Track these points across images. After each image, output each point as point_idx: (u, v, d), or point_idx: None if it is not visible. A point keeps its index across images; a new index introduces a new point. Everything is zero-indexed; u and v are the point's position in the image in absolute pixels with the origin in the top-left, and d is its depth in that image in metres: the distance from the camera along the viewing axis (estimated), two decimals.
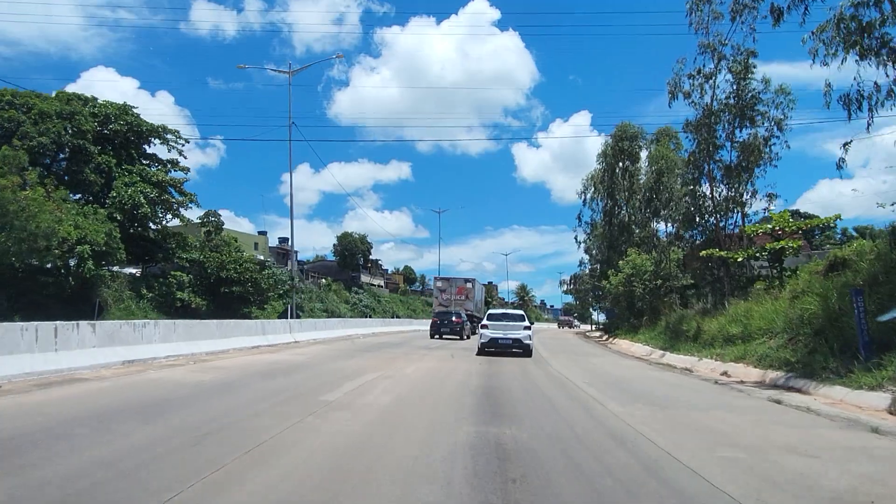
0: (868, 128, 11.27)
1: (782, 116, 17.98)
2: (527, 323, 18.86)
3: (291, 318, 32.01)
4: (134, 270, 36.24)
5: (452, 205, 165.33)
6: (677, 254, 28.92)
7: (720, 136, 19.77)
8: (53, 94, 31.43)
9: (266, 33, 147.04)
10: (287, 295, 51.39)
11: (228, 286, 36.16)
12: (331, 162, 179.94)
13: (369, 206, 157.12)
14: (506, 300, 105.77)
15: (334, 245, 67.31)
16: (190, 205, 35.61)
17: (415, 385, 10.49)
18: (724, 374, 12.80)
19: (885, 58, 10.39)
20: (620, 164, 36.07)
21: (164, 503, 3.78)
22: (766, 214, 18.97)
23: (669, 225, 27.86)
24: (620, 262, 31.08)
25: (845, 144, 11.68)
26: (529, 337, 18.28)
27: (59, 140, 28.42)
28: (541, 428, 6.65)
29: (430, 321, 33.61)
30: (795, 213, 40.22)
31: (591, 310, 64.75)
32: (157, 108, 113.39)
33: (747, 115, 19.10)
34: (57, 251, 23.23)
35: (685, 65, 19.48)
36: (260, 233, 57.92)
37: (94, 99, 33.26)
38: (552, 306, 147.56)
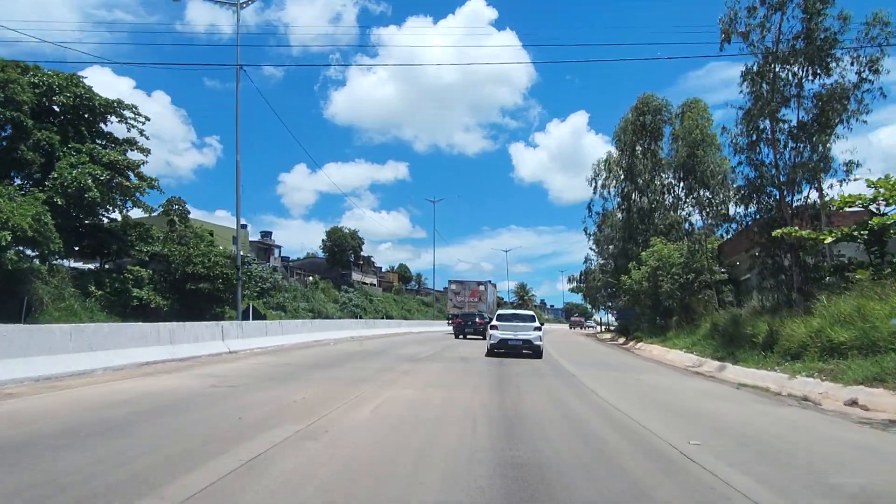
0: None
1: (879, 55, 13.74)
2: (537, 324, 18.20)
3: (242, 319, 27.55)
4: (92, 266, 31.99)
5: (450, 207, 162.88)
6: (712, 243, 24.71)
7: (786, 88, 15.58)
8: None
9: (263, 33, 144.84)
10: (267, 293, 47.07)
11: (195, 283, 31.85)
12: (327, 162, 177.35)
13: (366, 207, 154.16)
14: (504, 300, 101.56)
15: (323, 241, 63.07)
16: (149, 190, 31.11)
17: (358, 459, 5.18)
18: (853, 403, 8.57)
19: None
20: (641, 142, 31.77)
21: None
22: (848, 182, 14.69)
23: (704, 210, 23.57)
24: (643, 253, 26.88)
25: None
26: (540, 338, 17.64)
27: None
28: None
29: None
30: None
31: (599, 309, 60.64)
32: (152, 109, 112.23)
33: (822, 61, 14.90)
34: None
35: None
36: (240, 226, 53.41)
37: (38, 67, 28.91)
38: (552, 306, 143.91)
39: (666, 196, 29.96)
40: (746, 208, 17.00)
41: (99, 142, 30.48)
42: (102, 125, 31.12)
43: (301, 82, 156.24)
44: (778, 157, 15.87)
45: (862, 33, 14.02)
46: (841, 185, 15.15)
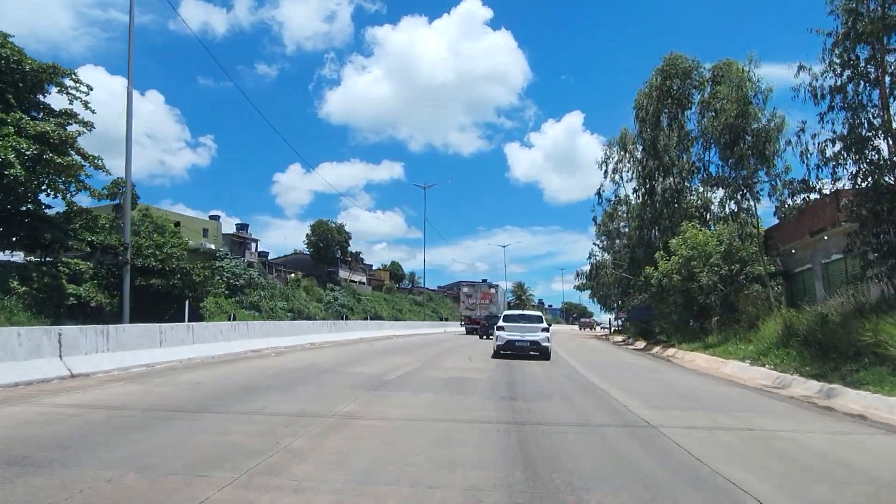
0: None
1: None
2: (545, 325, 17.88)
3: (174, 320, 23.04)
4: (18, 259, 27.48)
5: (445, 206, 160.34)
6: (758, 229, 20.36)
7: None
8: None
9: (256, 31, 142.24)
10: (241, 291, 42.50)
11: (146, 278, 27.35)
12: (322, 162, 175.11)
13: (362, 207, 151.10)
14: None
15: (307, 235, 58.40)
16: (90, 170, 26.46)
17: None
18: None
19: None
20: (667, 111, 27.17)
21: None
22: None
23: (751, 191, 19.18)
24: (672, 240, 22.50)
25: None
26: (548, 339, 17.26)
27: None
28: None
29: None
30: None
31: (607, 309, 56.19)
32: (146, 108, 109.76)
33: None
34: None
35: None
36: (212, 217, 48.62)
37: None
38: (550, 306, 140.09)
39: (695, 175, 25.59)
40: (835, 172, 12.62)
41: (34, 114, 25.98)
42: (41, 96, 26.64)
43: (295, 81, 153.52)
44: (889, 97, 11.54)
45: None
46: None
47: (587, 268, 44.16)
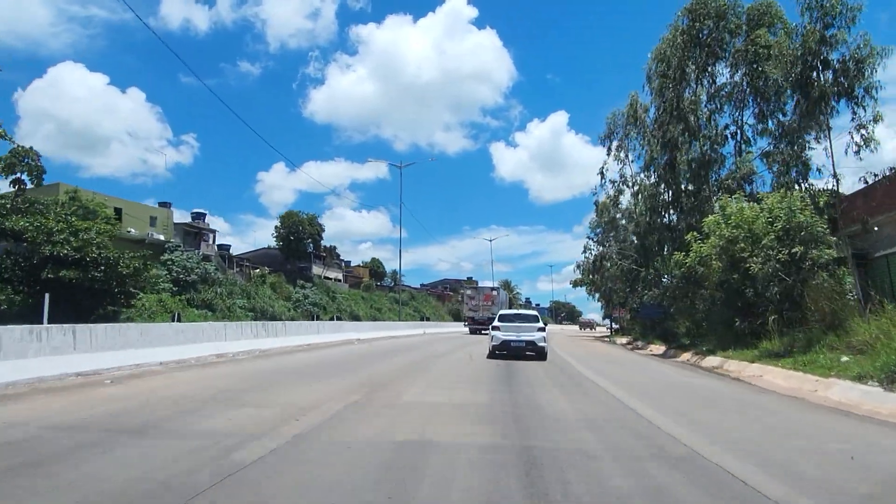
0: None
1: None
2: (541, 324, 17.59)
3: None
4: None
5: (431, 206, 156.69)
6: (823, 197, 15.81)
7: None
8: None
9: (239, 29, 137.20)
10: (193, 287, 37.21)
11: (55, 270, 22.18)
12: (307, 161, 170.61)
13: (346, 206, 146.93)
14: None
15: (276, 227, 53.06)
16: None
17: None
18: None
19: None
20: (695, 61, 22.15)
21: None
22: None
23: (828, 150, 14.59)
24: (708, 219, 17.81)
25: None
26: (544, 339, 17.00)
27: None
28: None
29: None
30: None
31: (602, 307, 51.65)
32: (127, 105, 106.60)
33: None
34: None
35: None
36: (161, 204, 42.91)
37: None
38: (538, 305, 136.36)
39: (726, 143, 20.94)
40: None
41: None
42: None
43: (279, 80, 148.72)
44: None
45: None
46: None
47: (584, 261, 39.63)
